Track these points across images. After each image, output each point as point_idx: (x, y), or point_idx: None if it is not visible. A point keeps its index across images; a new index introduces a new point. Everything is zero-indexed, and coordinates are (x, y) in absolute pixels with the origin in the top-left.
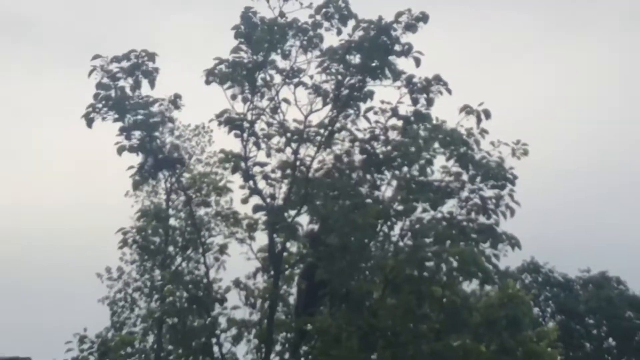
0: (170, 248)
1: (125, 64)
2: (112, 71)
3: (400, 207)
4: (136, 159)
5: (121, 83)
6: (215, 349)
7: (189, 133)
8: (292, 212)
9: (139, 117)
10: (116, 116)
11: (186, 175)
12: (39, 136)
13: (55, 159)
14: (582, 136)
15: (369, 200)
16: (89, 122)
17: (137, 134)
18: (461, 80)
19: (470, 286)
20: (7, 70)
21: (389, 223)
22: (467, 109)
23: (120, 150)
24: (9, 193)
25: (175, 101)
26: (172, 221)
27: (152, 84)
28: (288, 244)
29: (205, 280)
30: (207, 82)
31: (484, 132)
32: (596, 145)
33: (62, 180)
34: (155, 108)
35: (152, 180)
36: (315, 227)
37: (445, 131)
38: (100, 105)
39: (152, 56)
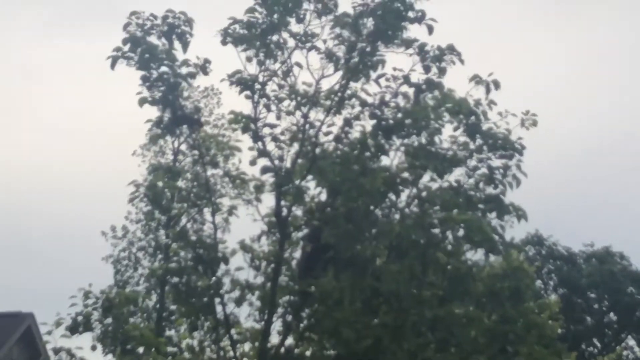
0: (177, 207)
1: (159, 22)
2: (145, 25)
3: (407, 175)
4: (150, 114)
5: (154, 41)
6: (219, 309)
7: (198, 94)
8: (300, 175)
9: (164, 70)
10: (139, 65)
11: (194, 136)
12: (47, 94)
13: (62, 117)
14: (595, 113)
15: (376, 166)
16: (113, 64)
17: (159, 88)
18: (474, 50)
19: (475, 255)
20: (18, 28)
21: (395, 190)
22: (476, 79)
23: (142, 102)
24: (17, 152)
25: (204, 66)
26: (180, 183)
27: (185, 48)
28: (294, 208)
29: (210, 241)
30: (224, 43)
31: (492, 103)
32: (609, 123)
33: (68, 139)
34: (183, 70)
35: (169, 135)
36: (322, 190)
37: (454, 100)
38: (126, 49)
39: (190, 21)
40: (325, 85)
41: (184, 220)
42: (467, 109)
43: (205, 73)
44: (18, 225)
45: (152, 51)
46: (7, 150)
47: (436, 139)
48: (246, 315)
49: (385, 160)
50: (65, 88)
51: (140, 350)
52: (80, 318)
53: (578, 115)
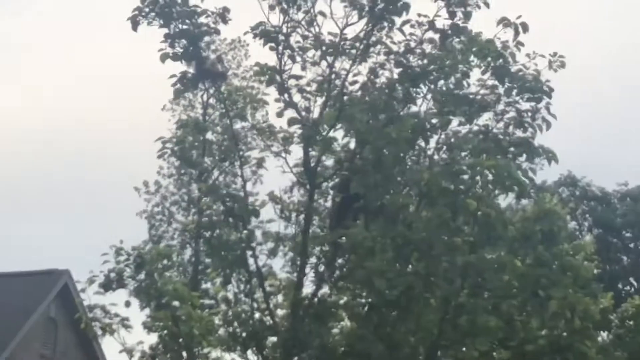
0: (208, 161)
1: None
2: None
3: (435, 121)
4: (178, 69)
5: None
6: (251, 261)
7: (225, 47)
8: (327, 126)
9: (185, 25)
10: (162, 22)
11: (222, 90)
12: (74, 48)
13: (93, 72)
14: (626, 48)
15: (403, 114)
16: (135, 25)
17: (181, 43)
18: None
19: (506, 200)
20: None
21: (424, 137)
22: (504, 22)
23: (164, 58)
24: (47, 108)
25: (223, 15)
26: (209, 135)
27: None
28: (323, 158)
29: (241, 193)
30: None
31: (519, 44)
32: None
33: (99, 94)
34: (202, 19)
35: (193, 90)
36: (350, 140)
37: (481, 43)
38: (147, 10)
39: None
40: (350, 33)
41: (215, 174)
42: (494, 52)
43: (225, 22)
44: (51, 182)
45: (172, 6)
46: (38, 100)
47: (464, 83)
48: (280, 267)
49: (413, 108)
50: (94, 40)
51: (175, 304)
52: (112, 275)
53: (610, 51)
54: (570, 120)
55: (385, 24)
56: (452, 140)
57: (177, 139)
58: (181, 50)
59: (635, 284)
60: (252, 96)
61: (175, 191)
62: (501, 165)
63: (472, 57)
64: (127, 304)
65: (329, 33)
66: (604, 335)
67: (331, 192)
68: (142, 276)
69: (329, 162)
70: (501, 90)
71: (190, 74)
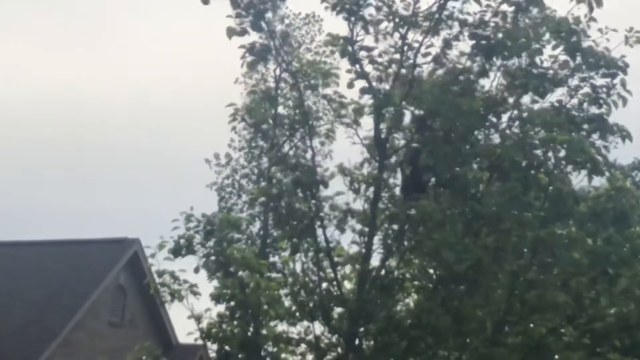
0: (277, 134)
1: None
2: None
3: (507, 95)
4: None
5: None
6: (319, 232)
7: (299, 22)
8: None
9: None
10: None
11: (295, 64)
12: (144, 23)
13: (165, 46)
14: None
15: (476, 87)
16: None
17: (249, 18)
18: None
19: (579, 177)
20: None
21: (495, 111)
22: None
23: (230, 33)
24: (119, 83)
25: None
26: (281, 110)
27: None
28: (393, 130)
29: (310, 164)
30: None
31: (592, 19)
32: None
33: (171, 68)
34: None
35: (263, 62)
36: (421, 113)
37: (555, 20)
38: None
39: None
40: (424, 5)
41: (286, 147)
42: (567, 28)
43: None
44: (125, 156)
45: None
46: (105, 76)
47: (537, 59)
48: (349, 243)
49: (486, 82)
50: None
51: (243, 273)
52: (182, 241)
53: None
54: None
55: None
56: (525, 115)
57: (247, 106)
58: (249, 23)
59: None
60: (325, 70)
61: (246, 164)
62: (574, 140)
63: (546, 35)
64: (196, 270)
65: (403, 2)
66: None
67: (401, 164)
68: (211, 243)
69: (400, 134)
70: (572, 65)
71: (259, 44)
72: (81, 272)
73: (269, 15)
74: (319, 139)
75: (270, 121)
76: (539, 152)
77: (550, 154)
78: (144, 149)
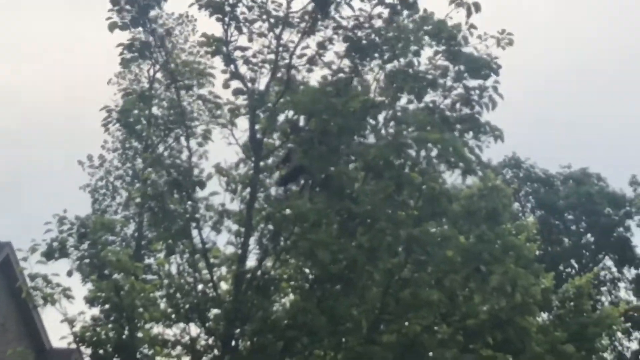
0: (153, 135)
1: None
2: None
3: (384, 97)
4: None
5: None
6: (195, 233)
7: (172, 22)
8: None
9: None
10: None
11: (171, 64)
12: (17, 23)
13: (34, 47)
14: (573, 34)
15: (350, 87)
16: None
17: (130, 14)
18: None
19: (452, 177)
20: None
21: (372, 112)
22: (457, 1)
23: (112, 27)
24: None
25: None
26: (155, 110)
27: None
28: (268, 130)
29: (186, 165)
30: None
31: (472, 27)
32: (588, 44)
33: (43, 69)
34: None
35: (142, 59)
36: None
37: (434, 23)
38: None
39: None
40: (298, 5)
41: (160, 148)
42: (447, 32)
43: None
44: None
45: None
46: None
47: (415, 61)
48: (225, 243)
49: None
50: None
51: (118, 275)
52: (55, 244)
53: (557, 35)
54: (516, 102)
55: None
56: (400, 115)
57: (121, 107)
58: (129, 18)
59: (576, 265)
60: (200, 70)
61: (120, 165)
62: (446, 139)
63: (424, 37)
64: (70, 273)
65: (274, 2)
66: (544, 315)
67: (276, 164)
68: (85, 246)
69: (275, 134)
70: (452, 71)
71: (138, 41)
72: None
73: (154, 12)
74: (195, 139)
75: (144, 122)
76: (412, 151)
77: (423, 153)
78: (14, 152)
